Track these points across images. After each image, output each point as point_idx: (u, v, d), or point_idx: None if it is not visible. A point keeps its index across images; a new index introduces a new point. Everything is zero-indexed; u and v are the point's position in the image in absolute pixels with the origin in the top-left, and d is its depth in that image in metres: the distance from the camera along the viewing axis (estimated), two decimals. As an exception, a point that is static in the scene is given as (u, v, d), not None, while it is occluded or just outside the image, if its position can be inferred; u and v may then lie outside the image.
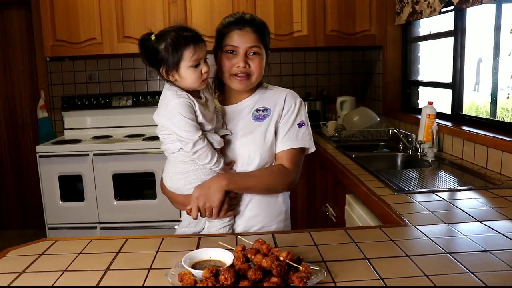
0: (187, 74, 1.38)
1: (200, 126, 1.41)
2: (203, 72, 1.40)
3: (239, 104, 1.58)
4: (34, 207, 4.21)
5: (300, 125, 1.55)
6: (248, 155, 1.50)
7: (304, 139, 1.55)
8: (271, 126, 1.53)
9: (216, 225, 1.48)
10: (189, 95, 1.40)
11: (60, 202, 3.45)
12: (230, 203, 1.46)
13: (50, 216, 3.47)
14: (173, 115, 1.37)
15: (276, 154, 1.54)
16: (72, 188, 3.44)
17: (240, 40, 1.48)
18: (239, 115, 1.56)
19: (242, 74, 1.50)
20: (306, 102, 3.78)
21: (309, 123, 1.59)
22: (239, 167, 1.51)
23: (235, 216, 1.52)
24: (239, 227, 1.52)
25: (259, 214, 1.53)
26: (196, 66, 1.38)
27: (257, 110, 1.55)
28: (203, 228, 1.53)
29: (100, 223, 3.45)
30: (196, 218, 1.44)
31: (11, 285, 1.07)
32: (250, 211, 1.53)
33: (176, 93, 1.39)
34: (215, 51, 1.56)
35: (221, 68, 1.52)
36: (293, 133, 1.53)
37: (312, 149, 1.60)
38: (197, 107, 1.39)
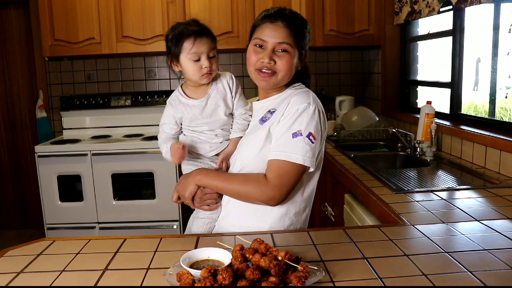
0: (187, 66, 1.44)
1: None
2: (203, 67, 1.42)
3: (260, 102, 1.52)
4: (33, 207, 4.20)
5: (296, 135, 1.34)
6: (238, 157, 1.46)
7: (295, 151, 1.33)
8: (264, 130, 1.41)
9: (199, 216, 1.54)
10: (180, 96, 1.49)
11: (59, 202, 3.45)
12: (203, 198, 1.47)
13: (48, 216, 3.47)
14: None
15: None
16: (70, 188, 3.44)
17: (269, 34, 1.39)
18: (256, 114, 1.52)
19: (266, 70, 1.40)
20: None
21: (313, 135, 1.35)
22: (231, 169, 1.50)
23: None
24: (217, 225, 1.53)
25: (237, 218, 1.47)
26: (197, 60, 1.42)
27: (268, 111, 1.46)
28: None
29: (99, 223, 3.45)
30: (175, 202, 1.54)
31: (9, 285, 1.06)
32: (225, 212, 1.51)
33: (172, 94, 1.53)
34: (248, 45, 1.49)
35: (247, 62, 1.45)
36: (283, 142, 1.35)
37: (311, 168, 1.37)
38: (179, 115, 1.50)
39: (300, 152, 1.33)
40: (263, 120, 1.45)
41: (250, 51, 1.44)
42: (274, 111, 1.44)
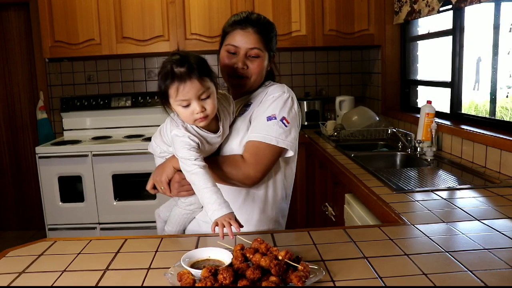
0: (178, 111, 1.30)
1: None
2: (194, 113, 1.26)
3: (236, 101, 1.56)
4: (34, 208, 4.21)
5: (270, 118, 1.41)
6: (223, 151, 1.48)
7: (269, 133, 1.39)
8: (245, 121, 1.47)
9: (179, 205, 1.52)
10: (195, 128, 1.32)
11: (60, 203, 3.45)
12: (181, 183, 1.41)
13: (50, 217, 3.47)
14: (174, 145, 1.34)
15: None
16: (71, 188, 3.44)
17: (241, 40, 1.47)
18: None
19: (240, 75, 1.48)
20: (305, 102, 3.78)
21: (286, 119, 1.42)
22: None
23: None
24: (202, 218, 1.53)
25: None
26: (187, 106, 1.26)
27: (244, 105, 1.53)
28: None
29: (100, 223, 3.45)
30: (149, 190, 1.47)
31: (11, 285, 1.07)
32: None
33: (176, 125, 1.33)
34: (219, 49, 1.56)
35: (221, 67, 1.52)
36: (257, 125, 1.42)
37: (290, 151, 1.44)
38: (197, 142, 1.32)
39: (274, 134, 1.40)
40: (241, 115, 1.50)
41: (223, 56, 1.51)
42: (250, 104, 1.51)
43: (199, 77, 1.25)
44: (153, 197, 3.41)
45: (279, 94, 1.46)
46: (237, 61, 1.47)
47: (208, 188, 1.23)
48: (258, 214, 1.51)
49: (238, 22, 1.48)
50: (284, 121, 1.42)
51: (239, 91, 1.54)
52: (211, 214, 1.20)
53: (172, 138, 1.33)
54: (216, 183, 1.28)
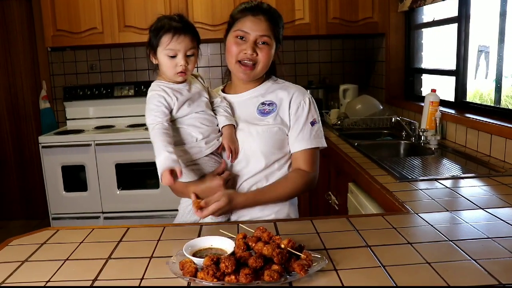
0: (162, 61, 1.42)
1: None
2: (178, 65, 1.40)
3: (243, 94, 1.57)
4: (38, 198, 4.23)
5: (313, 123, 1.54)
6: (250, 150, 1.48)
7: (318, 137, 1.54)
8: (276, 122, 1.51)
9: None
10: (162, 85, 1.44)
11: (63, 192, 3.47)
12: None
13: (53, 206, 3.49)
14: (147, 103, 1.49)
15: (292, 155, 1.54)
16: (75, 178, 3.45)
17: (252, 27, 1.47)
18: (242, 106, 1.55)
19: (248, 61, 1.48)
20: (308, 91, 3.74)
21: (319, 119, 1.58)
22: (239, 161, 1.49)
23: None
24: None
25: (249, 210, 1.51)
26: (173, 56, 1.40)
27: (263, 103, 1.54)
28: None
29: (103, 212, 3.47)
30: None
31: (14, 273, 1.07)
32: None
33: (153, 85, 1.48)
34: (226, 36, 1.55)
35: (228, 52, 1.51)
36: (306, 133, 1.52)
37: (324, 145, 1.58)
38: (171, 98, 1.43)
39: (320, 137, 1.56)
40: (263, 113, 1.52)
41: (231, 42, 1.50)
42: (273, 103, 1.53)
43: (192, 36, 1.42)
44: (155, 186, 3.42)
45: (309, 98, 1.56)
46: (246, 47, 1.47)
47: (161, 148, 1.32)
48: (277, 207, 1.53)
49: (250, 9, 1.49)
50: (320, 121, 1.58)
51: (245, 79, 1.52)
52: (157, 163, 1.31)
53: (148, 97, 1.47)
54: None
